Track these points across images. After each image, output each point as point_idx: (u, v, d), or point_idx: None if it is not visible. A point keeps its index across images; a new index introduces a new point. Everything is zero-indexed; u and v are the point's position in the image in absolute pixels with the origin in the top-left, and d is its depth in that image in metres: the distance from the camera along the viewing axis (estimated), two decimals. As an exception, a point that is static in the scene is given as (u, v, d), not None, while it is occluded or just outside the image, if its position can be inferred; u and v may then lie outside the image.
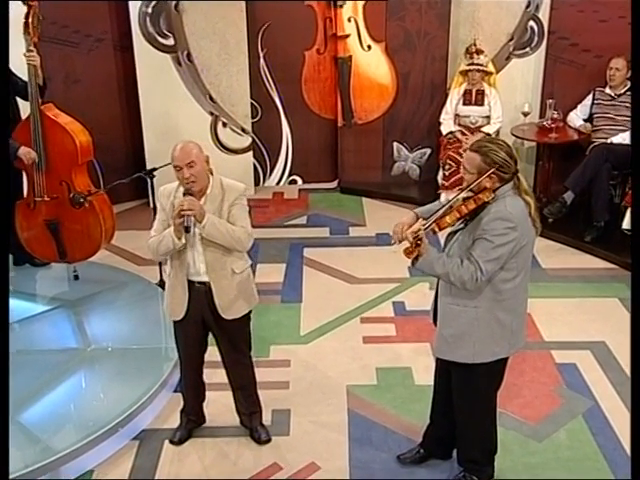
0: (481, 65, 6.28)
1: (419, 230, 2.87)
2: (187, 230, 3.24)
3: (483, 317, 3.04)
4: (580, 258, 5.75)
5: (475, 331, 3.06)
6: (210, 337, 3.65)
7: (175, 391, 4.13)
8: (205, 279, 3.41)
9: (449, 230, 3.05)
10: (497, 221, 2.90)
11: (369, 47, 6.87)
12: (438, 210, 2.98)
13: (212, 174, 3.39)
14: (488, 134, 6.33)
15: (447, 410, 3.40)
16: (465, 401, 3.24)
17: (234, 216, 3.37)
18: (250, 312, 3.59)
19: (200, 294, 3.43)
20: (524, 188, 3.01)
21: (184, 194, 3.27)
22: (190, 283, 3.42)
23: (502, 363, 3.21)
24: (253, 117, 7.00)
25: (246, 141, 6.96)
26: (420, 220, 3.00)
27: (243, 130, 6.92)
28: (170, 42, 6.48)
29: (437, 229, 2.93)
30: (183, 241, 3.29)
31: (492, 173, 2.91)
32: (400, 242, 2.97)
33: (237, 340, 3.58)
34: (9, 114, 4.68)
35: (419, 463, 3.59)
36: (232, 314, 3.47)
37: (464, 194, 2.97)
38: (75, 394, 4.03)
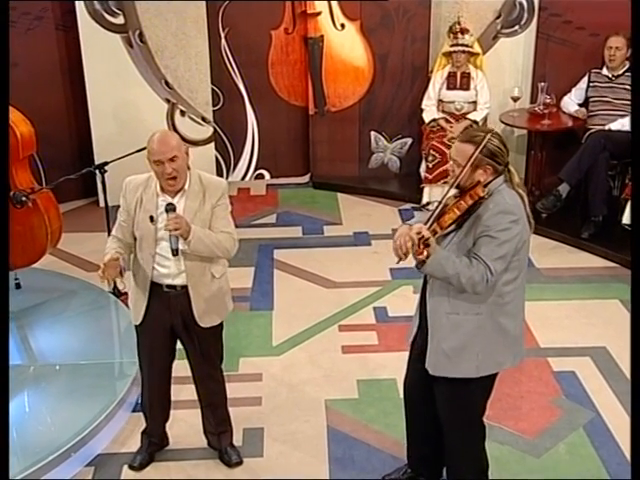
0: (466, 45, 6.37)
1: (422, 230, 2.90)
2: (175, 253, 3.28)
3: (485, 324, 3.07)
4: (577, 256, 5.87)
5: (478, 341, 3.08)
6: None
7: (134, 411, 4.13)
8: (177, 282, 3.42)
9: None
10: (499, 215, 2.95)
11: (342, 26, 6.93)
12: (434, 211, 3.02)
13: (189, 168, 3.40)
14: (475, 121, 6.44)
15: (426, 426, 3.45)
16: (457, 419, 3.27)
17: (218, 218, 3.39)
18: (223, 321, 3.62)
19: (170, 298, 3.45)
20: (517, 181, 3.08)
21: (166, 210, 3.27)
22: (156, 285, 3.43)
23: (493, 377, 3.25)
24: (214, 105, 7.01)
25: (207, 131, 6.97)
26: (419, 223, 3.02)
27: (203, 119, 6.92)
28: (120, 20, 6.46)
29: (438, 229, 2.98)
30: (124, 282, 3.33)
31: (487, 164, 2.98)
32: (406, 256, 2.96)
33: (209, 351, 3.60)
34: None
35: None
36: (209, 322, 3.49)
37: (455, 190, 3.03)
38: (19, 417, 4.00)
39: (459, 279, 2.94)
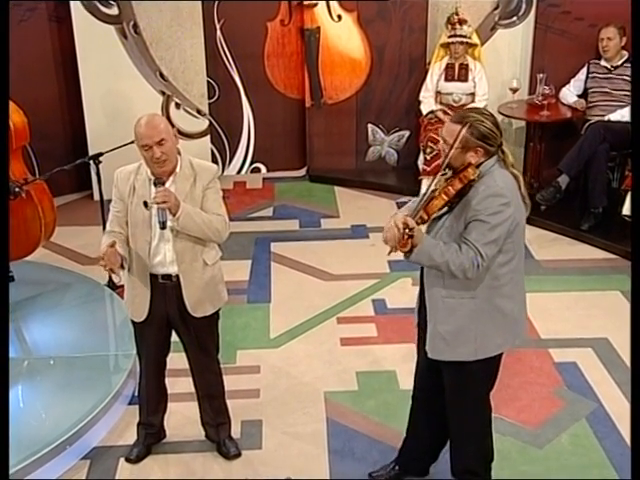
0: (464, 36, 6.34)
1: (406, 220, 2.84)
2: (163, 226, 3.22)
3: (482, 307, 3.05)
4: (577, 248, 5.85)
5: (475, 324, 3.06)
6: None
7: (130, 403, 4.09)
8: (171, 271, 3.38)
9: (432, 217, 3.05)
10: (489, 199, 2.91)
11: (339, 17, 6.89)
12: (423, 197, 2.98)
13: (179, 153, 3.36)
14: (473, 113, 6.39)
15: (430, 418, 3.42)
16: (461, 403, 3.25)
17: (209, 201, 3.35)
18: (219, 310, 3.58)
19: (166, 289, 3.40)
20: (510, 161, 3.04)
21: (155, 184, 3.24)
22: (153, 277, 3.39)
23: (498, 357, 3.23)
24: (210, 97, 6.97)
25: (202, 124, 6.93)
26: (403, 210, 2.99)
27: (199, 112, 6.88)
28: (114, 11, 6.42)
29: (425, 216, 2.94)
30: (120, 275, 3.30)
31: (478, 146, 2.94)
32: (395, 249, 2.92)
33: (206, 341, 3.56)
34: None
35: None
36: (202, 312, 3.45)
37: (444, 173, 2.98)
38: (13, 410, 3.92)
39: (448, 266, 2.91)
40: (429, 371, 3.33)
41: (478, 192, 2.93)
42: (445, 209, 3.01)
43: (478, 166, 2.95)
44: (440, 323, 3.11)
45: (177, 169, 3.33)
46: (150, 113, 3.31)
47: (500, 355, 3.23)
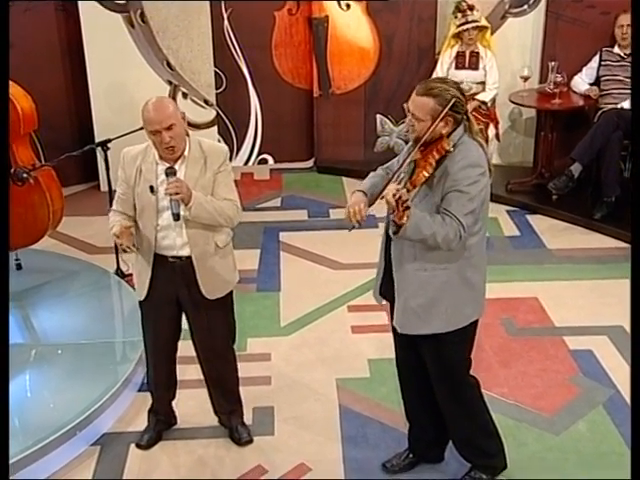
0: (476, 21, 6.27)
1: (398, 191, 2.73)
2: (176, 218, 3.17)
3: (453, 279, 3.04)
4: (589, 237, 5.79)
5: (446, 296, 3.04)
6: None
7: (140, 390, 4.05)
8: (182, 253, 3.33)
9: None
10: (468, 169, 2.89)
11: (348, 6, 6.84)
12: (398, 170, 2.92)
13: (188, 135, 3.31)
14: (483, 102, 6.35)
15: (423, 402, 3.38)
16: (440, 372, 3.21)
17: (221, 185, 3.30)
18: (232, 295, 3.54)
19: (175, 269, 3.35)
20: (475, 129, 3.02)
21: (167, 174, 3.18)
22: (162, 258, 3.34)
23: (473, 326, 3.19)
24: (217, 87, 6.91)
25: (210, 114, 6.87)
26: (392, 183, 2.86)
27: (206, 102, 6.83)
28: (121, 0, 6.36)
29: (412, 189, 2.89)
30: (135, 249, 3.28)
31: (448, 116, 2.89)
32: (360, 224, 2.87)
33: (217, 325, 3.50)
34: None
35: (408, 470, 3.54)
36: (215, 293, 3.41)
37: (417, 147, 2.91)
38: (22, 397, 3.91)
39: (435, 239, 2.87)
40: (407, 354, 3.30)
41: (455, 162, 2.90)
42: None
43: (448, 136, 2.92)
44: (412, 297, 3.06)
45: (186, 152, 3.27)
46: (158, 96, 3.25)
47: (476, 323, 3.20)
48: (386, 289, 3.20)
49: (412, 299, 3.06)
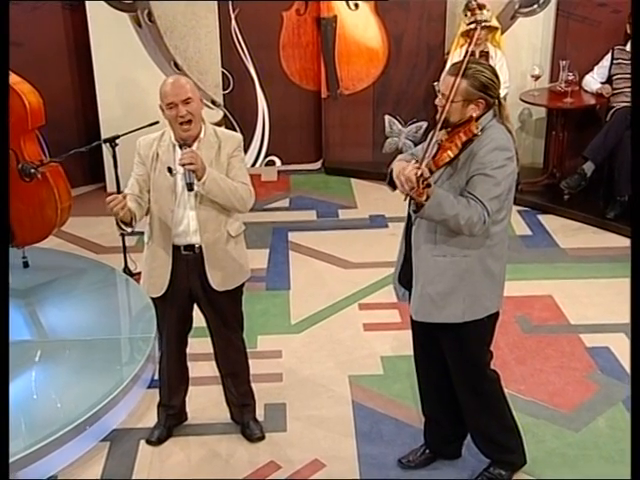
0: (486, 21, 6.24)
1: (420, 168, 2.68)
2: (190, 188, 3.12)
3: (474, 267, 2.96)
4: (603, 237, 5.75)
5: (465, 285, 2.97)
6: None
7: (149, 387, 4.00)
8: (194, 241, 3.29)
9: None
10: (495, 152, 2.83)
11: (356, 6, 6.82)
12: (426, 150, 2.85)
13: (204, 121, 3.28)
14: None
15: (441, 396, 3.32)
16: (458, 364, 3.15)
17: (234, 169, 3.27)
18: (243, 286, 3.49)
19: (188, 261, 3.31)
20: (506, 114, 2.97)
21: (181, 146, 3.15)
22: (175, 248, 3.30)
23: (493, 319, 3.13)
24: (225, 88, 6.89)
25: (217, 115, 6.83)
26: (412, 162, 2.81)
27: (213, 102, 6.80)
28: (128, -1, 6.36)
29: (434, 168, 2.81)
30: (128, 230, 3.22)
31: (480, 98, 2.85)
32: (411, 192, 2.73)
33: (229, 317, 3.47)
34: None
35: (425, 466, 3.48)
36: (225, 286, 3.36)
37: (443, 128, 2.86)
38: (30, 393, 3.87)
39: (458, 221, 2.79)
40: (426, 346, 3.24)
41: (483, 145, 2.84)
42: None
43: (478, 119, 2.86)
44: (429, 284, 2.99)
45: (201, 135, 3.25)
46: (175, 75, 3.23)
47: (497, 316, 3.13)
48: (405, 277, 3.14)
49: (429, 285, 2.99)
